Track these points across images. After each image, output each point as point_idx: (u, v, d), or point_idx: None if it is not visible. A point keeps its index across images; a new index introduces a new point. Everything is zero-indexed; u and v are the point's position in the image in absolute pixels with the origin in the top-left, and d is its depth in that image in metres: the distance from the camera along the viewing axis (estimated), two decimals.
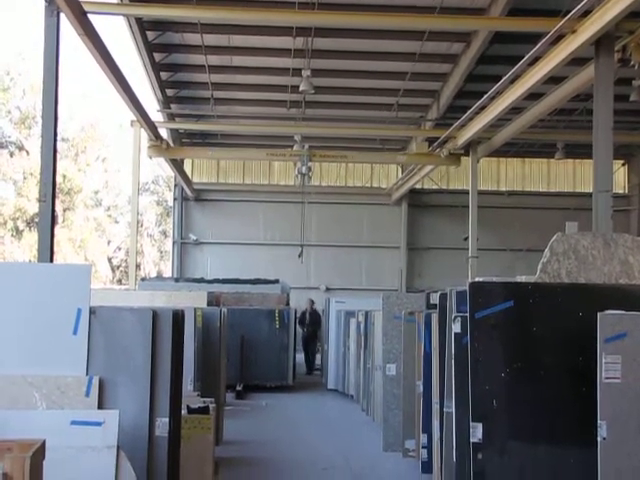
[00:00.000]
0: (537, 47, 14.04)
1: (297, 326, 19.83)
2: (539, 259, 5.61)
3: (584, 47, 12.97)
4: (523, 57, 14.73)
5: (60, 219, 39.23)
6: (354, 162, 28.46)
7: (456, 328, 5.79)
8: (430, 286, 23.11)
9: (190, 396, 8.44)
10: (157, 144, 22.00)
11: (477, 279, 5.66)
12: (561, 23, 12.93)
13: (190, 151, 26.99)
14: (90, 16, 13.23)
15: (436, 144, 21.72)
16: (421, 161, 24.35)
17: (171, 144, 23.99)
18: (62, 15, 12.11)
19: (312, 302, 22.01)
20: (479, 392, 4.97)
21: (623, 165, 30.44)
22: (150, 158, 22.23)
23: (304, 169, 23.22)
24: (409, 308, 10.14)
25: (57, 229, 13.07)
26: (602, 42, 12.73)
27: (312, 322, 21.36)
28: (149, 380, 5.62)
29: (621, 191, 29.66)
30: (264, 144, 27.98)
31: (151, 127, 20.76)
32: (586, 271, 5.47)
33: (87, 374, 5.53)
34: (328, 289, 28.92)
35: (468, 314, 5.09)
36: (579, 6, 12.12)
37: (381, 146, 26.79)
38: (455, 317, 5.87)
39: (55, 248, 12.57)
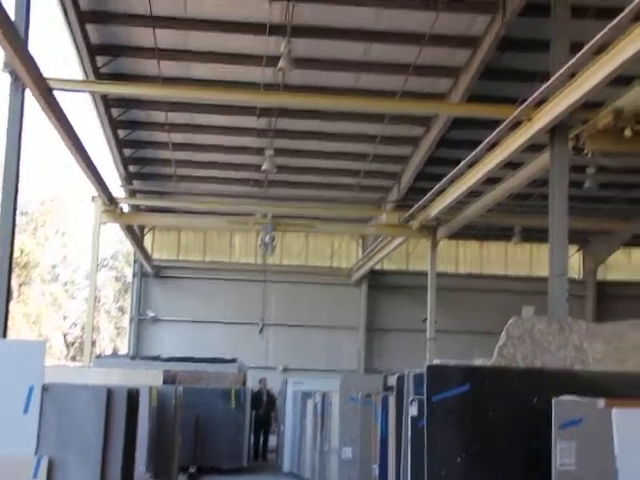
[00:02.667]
0: (495, 133, 14.41)
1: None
2: (495, 342, 5.65)
3: (540, 134, 13.35)
4: (482, 142, 15.09)
5: (15, 294, 38.64)
6: (320, 232, 28.22)
7: (413, 411, 5.76)
8: (389, 367, 23.00)
9: (142, 478, 8.25)
10: (111, 209, 21.36)
11: (435, 362, 5.67)
12: (517, 111, 13.31)
13: (145, 217, 26.20)
14: (56, 93, 13.32)
15: (407, 215, 21.42)
16: (392, 233, 23.60)
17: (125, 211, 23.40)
18: (27, 91, 12.18)
19: (264, 382, 21.02)
20: (434, 477, 4.92)
21: (578, 250, 30.92)
22: (104, 224, 21.58)
23: (267, 238, 22.59)
24: (366, 390, 10.07)
25: (12, 304, 12.87)
26: (557, 130, 13.12)
27: (266, 404, 20.41)
28: (100, 460, 5.51)
29: (576, 276, 30.04)
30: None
31: (105, 191, 20.21)
32: (541, 355, 5.51)
33: (36, 453, 5.40)
34: (286, 369, 28.62)
35: (425, 397, 5.08)
36: (535, 95, 12.52)
37: (347, 217, 26.73)
38: (412, 400, 5.84)
39: (9, 323, 12.36)
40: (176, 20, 15.85)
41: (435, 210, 19.88)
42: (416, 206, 20.43)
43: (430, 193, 19.09)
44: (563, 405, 4.61)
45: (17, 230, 12.96)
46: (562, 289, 12.69)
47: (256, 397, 19.36)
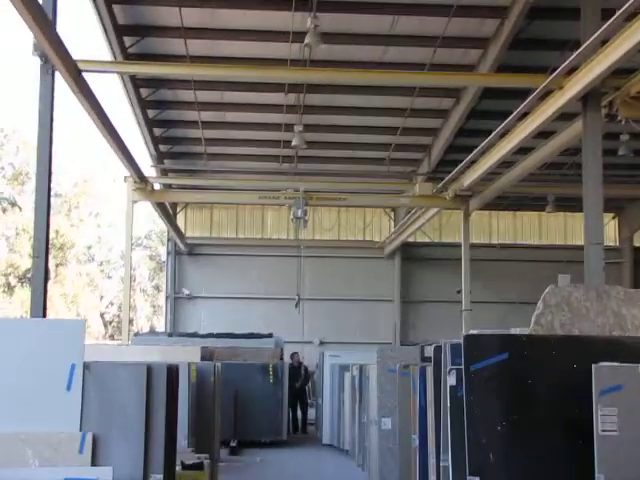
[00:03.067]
0: (525, 103, 14.27)
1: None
2: (532, 311, 5.63)
3: (571, 103, 13.19)
4: (512, 112, 14.95)
5: (53, 274, 39.14)
6: (352, 206, 28.03)
7: (451, 381, 5.77)
8: (424, 339, 23.05)
9: (184, 452, 8.36)
10: (142, 187, 21.15)
11: (472, 331, 5.67)
12: (548, 80, 13.17)
13: (176, 194, 26.08)
14: (85, 74, 13.40)
15: (440, 186, 21.17)
16: (425, 204, 23.24)
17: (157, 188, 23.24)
18: (57, 73, 12.26)
19: (295, 355, 21.01)
20: (475, 445, 4.94)
21: (614, 218, 30.66)
22: (134, 202, 21.58)
23: (300, 212, 22.07)
24: (403, 361, 10.10)
25: (50, 285, 13.07)
26: (589, 98, 12.96)
27: (298, 376, 20.31)
28: (143, 436, 5.57)
29: (612, 244, 29.80)
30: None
31: (136, 170, 20.00)
32: (579, 323, 5.49)
33: (80, 430, 5.48)
34: (322, 343, 28.79)
35: (463, 367, 5.08)
36: (565, 63, 12.37)
37: (378, 191, 26.49)
38: (450, 370, 5.85)
39: (47, 304, 12.54)
40: None
41: (468, 180, 19.72)
42: (449, 176, 20.29)
43: (462, 164, 18.98)
44: (603, 372, 4.60)
45: (52, 212, 13.11)
46: (598, 257, 12.60)
47: (292, 371, 19.51)
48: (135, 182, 20.81)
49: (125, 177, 21.05)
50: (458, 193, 20.82)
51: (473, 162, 18.88)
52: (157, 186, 23.88)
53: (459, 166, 19.17)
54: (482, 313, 23.77)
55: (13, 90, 54.39)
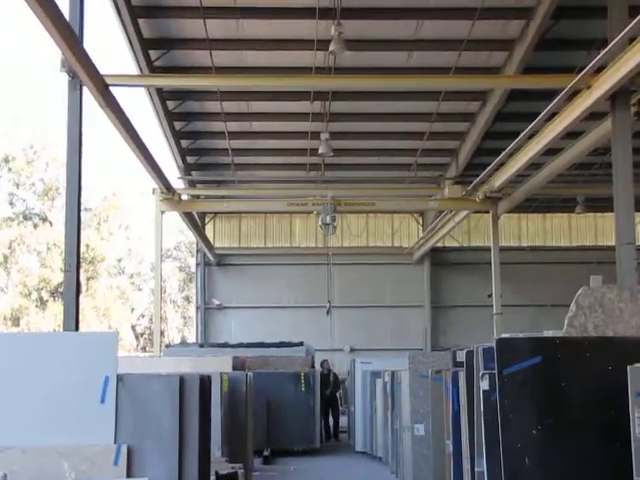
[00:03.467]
0: (553, 103, 14.15)
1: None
2: (564, 314, 5.58)
3: (600, 102, 13.07)
4: (540, 113, 14.85)
5: (84, 288, 39.46)
6: (381, 211, 27.82)
7: (484, 385, 5.73)
8: (455, 344, 22.91)
9: (218, 462, 8.38)
10: (169, 197, 21.10)
11: (504, 335, 5.64)
12: (576, 79, 13.05)
13: (203, 203, 25.79)
14: (112, 88, 13.51)
15: (470, 188, 20.88)
16: (455, 206, 22.75)
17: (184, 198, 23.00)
18: (84, 88, 12.37)
19: (326, 362, 20.86)
20: (510, 450, 4.90)
21: None
22: (162, 213, 21.66)
23: (328, 219, 21.74)
24: (435, 367, 10.06)
25: (81, 298, 13.19)
26: (617, 97, 12.83)
27: (327, 383, 20.11)
28: (177, 447, 5.59)
29: None
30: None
31: (163, 180, 19.97)
32: (613, 324, 5.43)
33: (115, 442, 5.51)
34: (353, 350, 28.74)
35: (496, 371, 5.05)
36: (593, 62, 12.25)
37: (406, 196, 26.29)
38: (483, 374, 5.82)
39: (80, 317, 12.64)
40: (226, 10, 15.94)
41: (498, 181, 19.49)
42: (478, 178, 20.10)
43: (491, 166, 18.85)
44: (639, 373, 4.54)
45: (82, 226, 13.22)
46: (630, 257, 12.47)
47: (322, 378, 19.45)
48: (162, 192, 20.85)
49: (153, 189, 21.17)
50: (488, 195, 20.53)
51: (501, 164, 18.77)
52: (185, 197, 23.96)
53: (488, 168, 19.06)
54: (513, 317, 23.60)
55: (42, 106, 54.98)
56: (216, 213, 30.23)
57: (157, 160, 18.36)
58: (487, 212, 22.18)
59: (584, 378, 4.92)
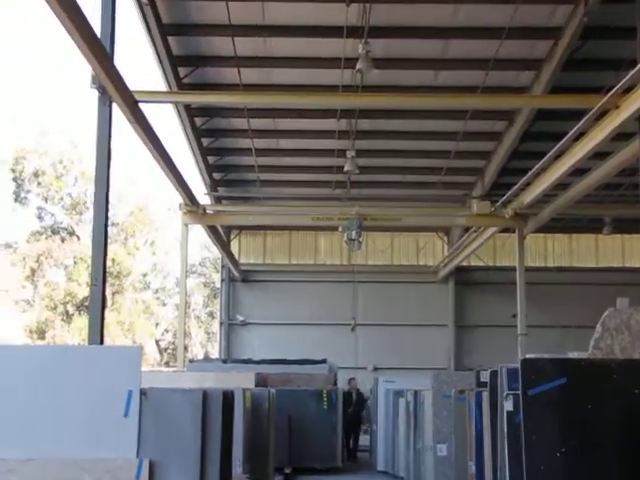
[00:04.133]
0: (581, 123, 14.10)
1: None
2: (589, 336, 5.54)
3: (628, 122, 13.00)
4: (567, 133, 14.79)
5: (109, 302, 39.70)
6: (407, 226, 27.18)
7: (508, 406, 5.70)
8: (479, 364, 22.72)
9: (239, 478, 8.37)
10: (193, 209, 20.95)
11: (528, 356, 5.60)
12: (604, 99, 12.99)
13: (229, 217, 25.29)
14: (141, 104, 13.64)
15: (499, 204, 20.49)
16: (483, 223, 22.33)
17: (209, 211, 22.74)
18: (114, 104, 12.50)
19: (353, 381, 20.92)
20: (534, 472, 4.86)
21: None
22: (186, 226, 21.36)
23: (354, 234, 21.28)
24: (459, 386, 10.00)
25: (106, 312, 13.27)
26: None
27: (356, 403, 20.36)
28: (199, 462, 5.60)
29: None
30: (309, 224, 28.37)
31: (187, 192, 19.92)
32: None
33: (137, 456, 5.53)
34: (376, 368, 28.62)
35: (520, 391, 5.02)
36: (622, 82, 12.20)
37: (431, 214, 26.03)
38: (507, 395, 5.79)
39: (104, 331, 12.70)
40: (255, 27, 16.06)
41: (528, 198, 19.22)
42: (507, 195, 19.85)
43: (520, 183, 18.74)
44: None
45: (109, 241, 13.31)
46: None
47: (345, 397, 19.33)
48: (187, 205, 20.76)
49: (180, 204, 21.23)
50: (518, 212, 20.18)
51: (528, 184, 18.70)
52: (210, 211, 24.04)
53: (517, 185, 18.94)
54: (538, 338, 23.37)
55: (72, 120, 55.58)
56: (241, 229, 30.31)
57: (183, 175, 18.48)
58: (513, 232, 22.01)
59: (609, 401, 4.87)
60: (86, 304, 32.27)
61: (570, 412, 4.90)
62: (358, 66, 14.50)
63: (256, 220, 25.12)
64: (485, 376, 7.52)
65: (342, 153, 21.02)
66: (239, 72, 17.28)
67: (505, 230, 22.72)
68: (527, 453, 4.90)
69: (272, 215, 25.30)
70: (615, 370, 4.98)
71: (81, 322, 38.87)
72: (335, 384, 19.05)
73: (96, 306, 12.20)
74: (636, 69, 11.82)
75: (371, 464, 18.80)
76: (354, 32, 15.22)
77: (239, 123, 20.76)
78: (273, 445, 12.14)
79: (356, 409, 20.30)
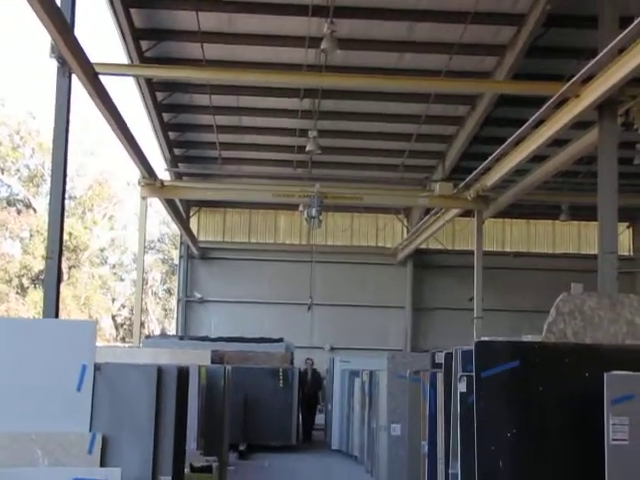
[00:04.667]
0: (541, 110, 14.23)
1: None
2: (544, 320, 5.60)
3: (587, 111, 13.14)
4: (527, 120, 14.91)
5: (65, 276, 39.28)
6: (369, 206, 27.08)
7: (462, 387, 5.75)
8: (435, 346, 22.97)
9: (193, 455, 8.36)
10: (151, 182, 20.55)
11: (483, 338, 5.65)
12: (565, 87, 13.12)
13: (186, 190, 24.66)
14: (101, 77, 13.45)
15: (462, 185, 20.43)
16: (446, 204, 22.10)
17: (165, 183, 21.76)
18: (74, 75, 12.31)
19: (311, 362, 20.67)
20: (485, 452, 4.91)
21: (628, 227, 30.52)
22: (144, 199, 21.02)
23: (314, 211, 20.86)
24: (414, 367, 10.08)
25: (62, 286, 13.10)
26: (605, 106, 12.91)
27: (312, 383, 20.12)
28: (153, 438, 5.57)
29: (626, 253, 29.66)
30: (269, 203, 28.37)
31: (145, 165, 19.43)
32: (592, 331, 5.46)
33: (90, 431, 5.49)
34: (332, 348, 28.75)
35: (474, 373, 5.06)
36: (582, 71, 12.32)
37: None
38: (461, 376, 5.84)
39: (60, 305, 12.58)
40: (219, 3, 15.91)
41: (490, 181, 19.20)
42: (469, 177, 19.85)
43: (479, 169, 18.89)
44: (615, 380, 4.57)
45: (66, 214, 13.15)
46: (612, 266, 12.54)
47: (302, 376, 19.35)
48: (144, 178, 20.37)
49: (139, 180, 20.96)
50: (480, 193, 20.15)
51: (488, 169, 18.84)
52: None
53: (477, 170, 19.07)
54: (494, 321, 23.66)
55: (30, 92, 54.64)
56: (201, 207, 30.19)
57: (143, 149, 18.31)
58: (473, 216, 22.17)
59: (561, 384, 4.94)
60: (42, 277, 31.89)
61: (522, 394, 4.96)
62: (323, 46, 14.47)
63: (215, 195, 24.62)
64: (440, 358, 7.59)
65: (304, 133, 20.99)
66: (202, 47, 17.11)
67: (465, 214, 22.87)
68: (479, 433, 4.95)
69: (231, 190, 24.69)
70: (567, 354, 5.04)
71: (36, 295, 38.44)
72: (292, 363, 19.10)
73: (51, 280, 12.08)
74: (596, 59, 11.94)
75: (326, 443, 18.93)
76: (320, 11, 15.16)
77: (201, 99, 20.59)
78: (228, 422, 12.13)
79: (312, 389, 20.25)
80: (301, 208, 22.98)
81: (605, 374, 4.58)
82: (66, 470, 5.30)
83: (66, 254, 39.07)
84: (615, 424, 4.52)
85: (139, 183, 20.93)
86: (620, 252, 14.35)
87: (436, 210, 23.22)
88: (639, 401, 4.53)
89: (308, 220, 21.80)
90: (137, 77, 17.91)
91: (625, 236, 29.89)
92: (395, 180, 25.47)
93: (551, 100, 13.74)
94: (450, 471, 6.42)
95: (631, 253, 30.63)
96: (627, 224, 30.25)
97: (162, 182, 21.13)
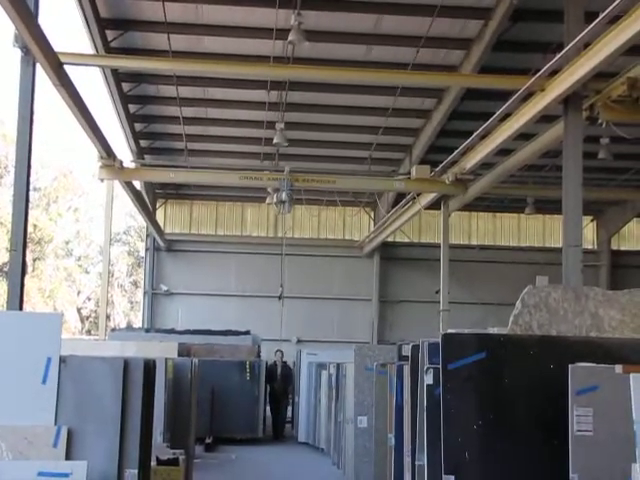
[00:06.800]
0: (507, 104, 14.33)
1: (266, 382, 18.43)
2: (510, 313, 5.65)
3: (553, 105, 13.27)
4: (494, 114, 15.00)
5: (30, 269, 38.87)
6: (341, 190, 25.80)
7: (428, 380, 5.79)
8: (401, 338, 23.08)
9: (160, 447, 8.34)
10: (109, 163, 19.16)
11: (449, 331, 5.69)
12: (530, 81, 13.23)
13: (148, 172, 23.41)
14: (66, 67, 13.30)
15: (439, 168, 19.68)
16: (423, 188, 21.10)
17: (127, 166, 20.67)
18: (38, 65, 12.16)
19: (281, 353, 20.01)
20: (451, 444, 4.95)
21: (592, 221, 30.85)
22: (102, 181, 20.21)
23: (284, 195, 19.87)
24: (381, 360, 10.13)
25: (27, 279, 12.96)
26: (570, 101, 13.03)
27: (283, 377, 19.45)
28: (119, 430, 5.55)
29: (590, 247, 29.99)
30: (237, 195, 28.30)
31: (103, 144, 18.24)
32: (557, 324, 5.52)
33: (56, 424, 5.45)
34: (299, 341, 28.76)
35: (440, 365, 5.10)
36: (548, 65, 12.43)
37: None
38: (427, 369, 5.88)
39: (24, 298, 12.45)
40: None
41: (469, 164, 18.57)
42: (448, 159, 19.40)
43: (444, 163, 18.97)
44: (580, 372, 4.62)
45: (30, 206, 13.00)
46: (576, 260, 12.68)
47: (271, 370, 19.08)
48: (102, 157, 19.07)
49: (97, 160, 19.68)
50: (459, 177, 19.37)
51: (454, 162, 18.94)
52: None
53: (443, 163, 19.08)
54: (460, 314, 23.85)
55: None
56: (167, 199, 30.03)
57: (109, 141, 18.11)
58: (439, 209, 22.22)
59: (526, 376, 4.99)
60: (5, 270, 31.52)
61: (488, 386, 5.01)
62: (290, 37, 14.41)
63: (178, 177, 23.08)
64: (407, 350, 7.63)
65: (271, 125, 20.92)
66: (169, 38, 16.97)
67: (431, 207, 22.88)
68: (445, 426, 4.99)
69: (196, 172, 23.30)
70: (532, 346, 5.09)
71: (0, 287, 37.99)
72: (259, 356, 19.09)
73: (15, 272, 11.94)
74: (562, 53, 12.05)
75: (292, 435, 18.95)
76: (287, 3, 15.09)
77: (168, 90, 20.43)
78: (195, 415, 12.10)
79: (282, 386, 19.52)
80: (269, 200, 22.74)
81: (570, 366, 4.63)
82: (31, 464, 5.26)
83: (30, 246, 38.63)
84: (579, 415, 4.57)
85: (98, 164, 19.50)
86: (585, 245, 14.50)
87: (405, 202, 23.16)
88: (603, 392, 4.59)
89: (277, 205, 20.92)
90: (103, 67, 17.69)
91: (589, 229, 30.21)
92: (363, 172, 25.49)
93: (517, 94, 13.84)
94: (416, 463, 6.46)
95: (595, 246, 30.98)
96: (591, 218, 30.57)
97: (121, 163, 19.89)
